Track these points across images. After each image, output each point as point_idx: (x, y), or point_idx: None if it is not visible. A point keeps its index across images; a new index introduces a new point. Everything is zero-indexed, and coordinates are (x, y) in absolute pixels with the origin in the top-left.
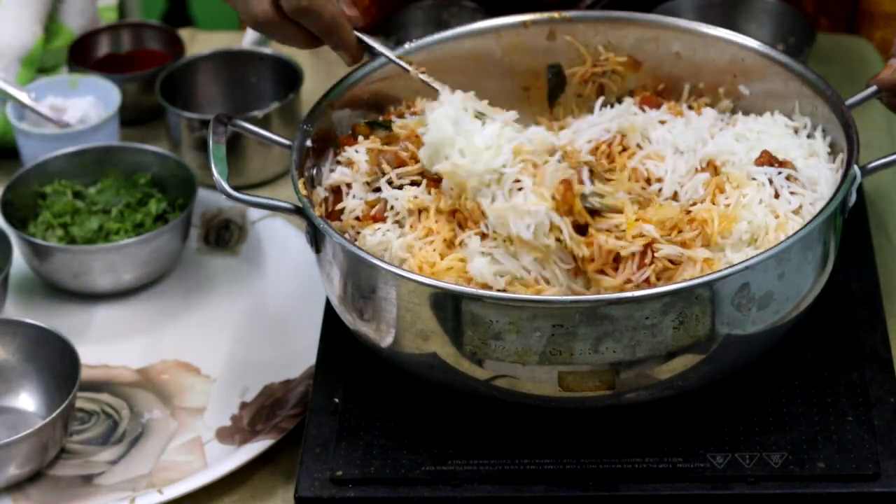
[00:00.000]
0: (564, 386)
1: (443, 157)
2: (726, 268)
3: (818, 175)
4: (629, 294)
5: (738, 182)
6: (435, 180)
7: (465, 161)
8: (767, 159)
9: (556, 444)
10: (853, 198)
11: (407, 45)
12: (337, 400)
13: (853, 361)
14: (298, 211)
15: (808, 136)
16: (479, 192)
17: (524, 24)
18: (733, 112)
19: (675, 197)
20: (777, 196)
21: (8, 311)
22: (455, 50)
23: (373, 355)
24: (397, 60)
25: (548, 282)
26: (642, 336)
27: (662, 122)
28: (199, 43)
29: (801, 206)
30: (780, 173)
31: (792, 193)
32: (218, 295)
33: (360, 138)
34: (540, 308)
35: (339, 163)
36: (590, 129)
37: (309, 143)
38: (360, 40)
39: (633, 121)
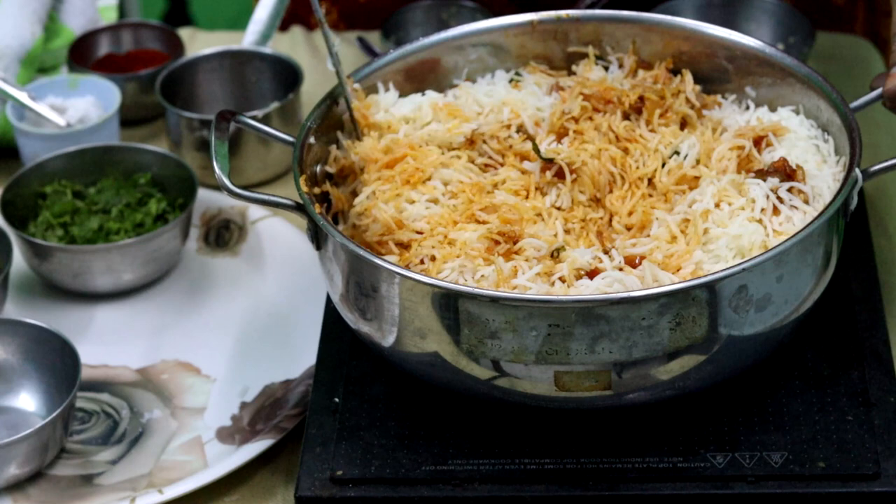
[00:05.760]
0: (561, 386)
1: None
2: (723, 269)
3: (823, 186)
4: (625, 294)
5: (726, 197)
6: None
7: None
8: (782, 165)
9: (556, 444)
10: (854, 201)
11: (408, 46)
12: (337, 400)
13: (853, 361)
14: (299, 207)
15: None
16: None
17: (531, 24)
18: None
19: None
20: (776, 211)
21: (8, 311)
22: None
23: (373, 355)
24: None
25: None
26: (638, 337)
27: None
28: (199, 43)
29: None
30: (784, 187)
31: (793, 208)
32: (218, 295)
33: None
34: (536, 307)
35: None
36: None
37: (312, 139)
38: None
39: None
